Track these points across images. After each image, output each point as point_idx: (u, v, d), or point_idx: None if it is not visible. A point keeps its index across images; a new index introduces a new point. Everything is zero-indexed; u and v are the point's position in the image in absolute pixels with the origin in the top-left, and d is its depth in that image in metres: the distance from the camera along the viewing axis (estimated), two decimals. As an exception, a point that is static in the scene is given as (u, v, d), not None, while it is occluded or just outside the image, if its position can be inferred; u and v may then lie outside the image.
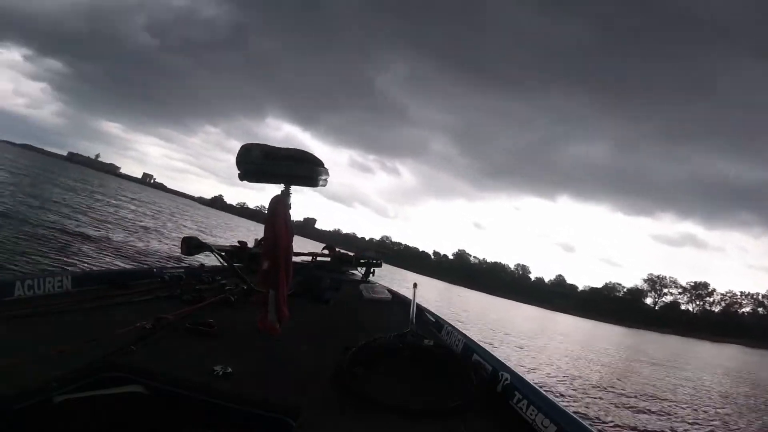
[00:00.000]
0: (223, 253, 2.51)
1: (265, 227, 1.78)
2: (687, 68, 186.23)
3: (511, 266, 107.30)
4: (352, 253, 3.94)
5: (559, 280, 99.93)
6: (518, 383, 1.42)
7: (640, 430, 5.40)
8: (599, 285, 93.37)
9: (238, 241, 3.16)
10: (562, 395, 6.38)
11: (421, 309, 2.44)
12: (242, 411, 1.16)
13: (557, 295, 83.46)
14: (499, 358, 1.65)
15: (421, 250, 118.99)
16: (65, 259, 6.34)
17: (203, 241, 2.41)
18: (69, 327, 1.44)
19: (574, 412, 1.27)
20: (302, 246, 3.77)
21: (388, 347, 1.60)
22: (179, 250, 2.47)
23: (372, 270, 3.75)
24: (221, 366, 1.28)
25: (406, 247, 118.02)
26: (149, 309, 1.75)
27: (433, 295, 24.04)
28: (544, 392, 1.35)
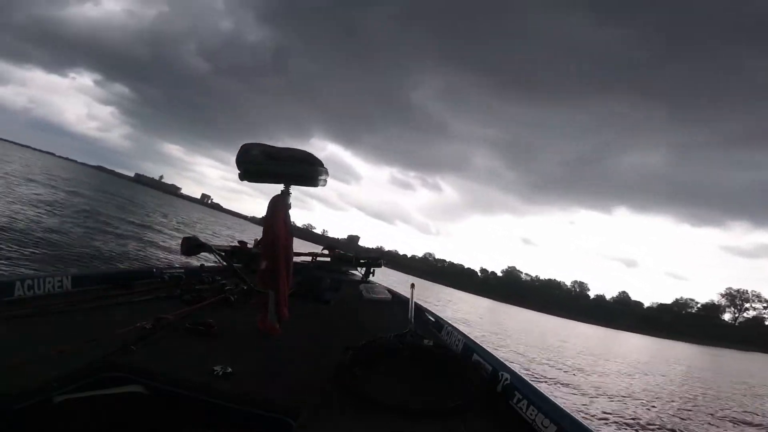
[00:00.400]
0: (223, 254, 2.51)
1: (264, 227, 1.78)
2: (752, 69, 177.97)
3: (567, 283, 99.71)
4: (351, 254, 3.94)
5: (622, 297, 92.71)
6: (518, 383, 1.42)
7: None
8: (668, 301, 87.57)
9: (238, 242, 3.16)
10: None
11: (420, 309, 2.44)
12: (242, 411, 1.16)
13: (620, 313, 77.95)
14: (499, 358, 1.65)
15: (466, 267, 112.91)
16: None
17: (203, 241, 2.41)
18: (69, 327, 1.44)
19: (575, 412, 1.27)
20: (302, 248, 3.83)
21: (388, 347, 1.60)
22: (179, 251, 2.47)
23: (372, 270, 3.75)
24: (221, 366, 1.28)
25: (450, 264, 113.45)
26: (149, 309, 1.75)
27: (475, 314, 21.72)
28: (544, 392, 1.35)
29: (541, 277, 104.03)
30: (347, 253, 3.95)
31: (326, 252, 3.91)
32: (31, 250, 5.96)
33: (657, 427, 5.79)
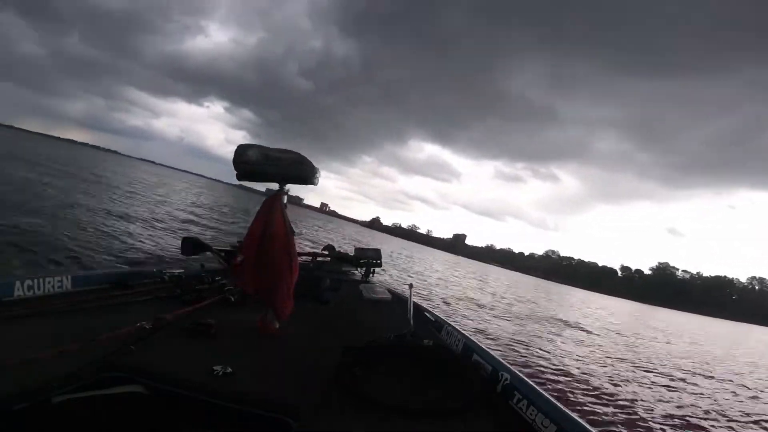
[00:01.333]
0: (223, 254, 2.52)
1: (254, 222, 1.79)
2: None
3: (742, 279, 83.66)
4: (352, 253, 3.94)
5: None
6: (518, 383, 1.42)
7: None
8: None
9: (238, 241, 3.16)
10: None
11: (420, 309, 2.44)
12: (242, 411, 1.16)
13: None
14: (499, 358, 1.65)
15: (600, 265, 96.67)
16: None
17: (203, 241, 2.41)
18: (69, 327, 1.44)
19: (575, 412, 1.27)
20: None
21: (388, 347, 1.60)
22: (179, 251, 2.47)
23: (372, 270, 3.75)
24: (221, 366, 1.28)
25: (580, 262, 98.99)
26: (149, 309, 1.75)
27: (630, 324, 17.94)
28: (544, 392, 1.35)
29: (703, 274, 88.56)
30: (347, 252, 3.95)
31: (326, 252, 3.91)
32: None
33: None
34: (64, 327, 1.45)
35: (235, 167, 1.73)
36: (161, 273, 2.34)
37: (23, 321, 1.44)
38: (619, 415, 4.71)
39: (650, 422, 4.74)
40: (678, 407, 5.73)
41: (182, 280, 2.32)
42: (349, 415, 1.19)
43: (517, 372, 1.49)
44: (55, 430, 1.01)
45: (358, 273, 3.78)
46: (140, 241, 8.14)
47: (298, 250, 3.79)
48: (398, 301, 2.80)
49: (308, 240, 16.27)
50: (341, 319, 2.13)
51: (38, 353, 1.14)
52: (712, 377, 8.64)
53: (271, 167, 1.74)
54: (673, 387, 6.93)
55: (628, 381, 6.64)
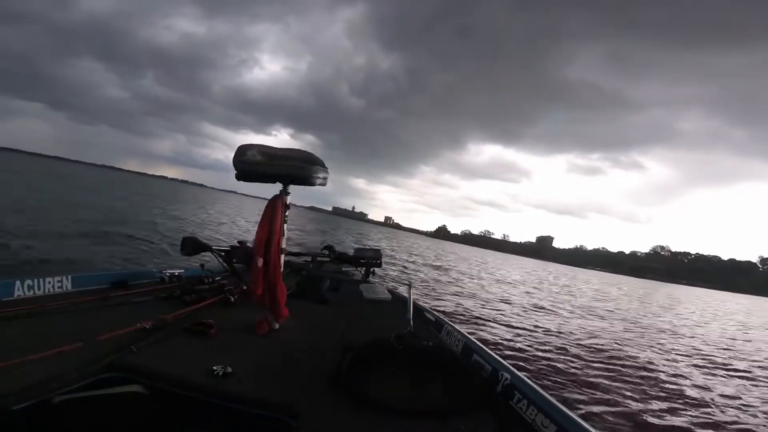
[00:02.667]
0: (223, 254, 2.51)
1: (260, 225, 1.79)
2: None
3: None
4: (351, 253, 3.94)
5: None
6: (518, 383, 1.41)
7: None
8: None
9: (238, 241, 3.16)
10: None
11: (420, 309, 2.44)
12: (242, 411, 1.16)
13: None
14: (499, 358, 1.64)
15: (726, 258, 76.86)
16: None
17: (203, 241, 2.41)
18: (69, 327, 1.44)
19: (575, 412, 1.27)
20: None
21: (388, 348, 1.60)
22: (179, 251, 2.48)
23: (372, 270, 3.75)
24: (221, 366, 1.29)
25: (698, 256, 77.85)
26: (149, 309, 1.75)
27: None
28: (544, 392, 1.35)
29: None
30: (347, 252, 3.95)
31: (326, 252, 3.91)
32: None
33: None
34: (64, 327, 1.45)
35: (234, 167, 1.73)
36: (161, 273, 2.35)
37: (23, 321, 1.45)
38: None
39: None
40: None
41: (182, 280, 2.32)
42: (348, 415, 1.19)
43: (517, 372, 1.49)
44: (55, 430, 1.01)
45: (359, 273, 3.78)
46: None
47: (298, 250, 3.77)
48: (398, 301, 2.80)
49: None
50: (341, 319, 2.13)
51: (38, 353, 1.14)
52: None
53: (269, 167, 1.72)
54: None
55: None
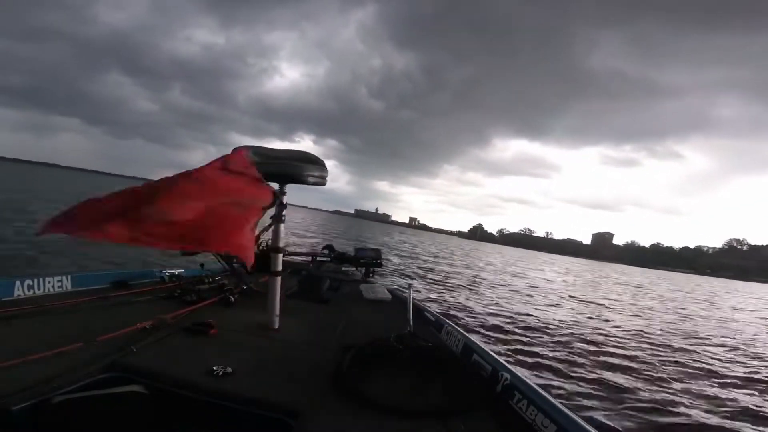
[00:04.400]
0: (223, 253, 2.52)
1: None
2: None
3: None
4: (351, 253, 3.94)
5: None
6: (518, 383, 1.41)
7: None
8: None
9: None
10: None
11: (420, 309, 2.44)
12: (242, 411, 1.16)
13: None
14: (499, 358, 1.64)
15: None
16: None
17: None
18: (69, 327, 1.45)
19: (575, 412, 1.27)
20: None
21: (387, 348, 1.60)
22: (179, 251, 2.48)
23: (372, 270, 3.75)
24: (221, 366, 1.29)
25: None
26: (149, 309, 1.75)
27: None
28: (544, 392, 1.35)
29: None
30: (347, 252, 3.96)
31: (326, 252, 3.91)
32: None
33: None
34: (64, 327, 1.45)
35: None
36: (161, 273, 2.35)
37: (23, 321, 1.45)
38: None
39: None
40: None
41: (182, 280, 2.32)
42: (348, 415, 1.19)
43: (517, 372, 1.49)
44: (55, 430, 1.01)
45: (358, 273, 3.78)
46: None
47: (298, 250, 3.77)
48: (398, 301, 2.80)
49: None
50: (341, 319, 2.13)
51: (38, 353, 1.14)
52: None
53: (262, 166, 1.72)
54: None
55: None
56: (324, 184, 1.89)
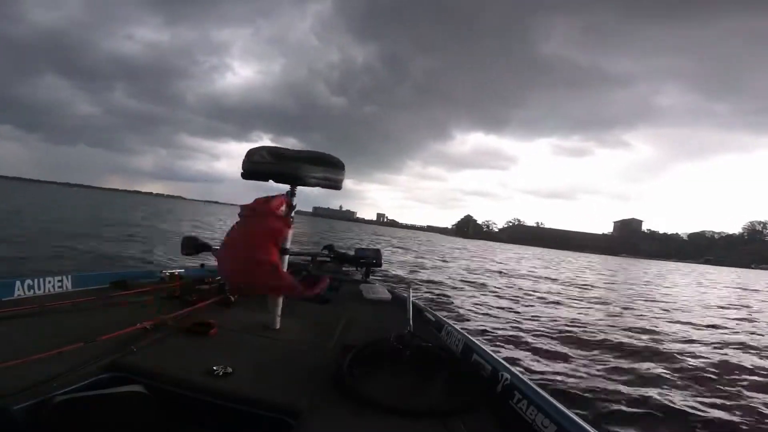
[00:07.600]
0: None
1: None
2: None
3: None
4: (352, 253, 3.94)
5: None
6: (518, 383, 1.41)
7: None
8: None
9: None
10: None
11: (420, 309, 2.44)
12: (242, 411, 1.16)
13: None
14: (499, 358, 1.64)
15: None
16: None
17: (203, 240, 2.41)
18: (69, 327, 1.45)
19: (575, 412, 1.27)
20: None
21: (388, 347, 1.60)
22: (179, 251, 2.48)
23: (372, 270, 3.75)
24: (221, 366, 1.29)
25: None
26: (149, 309, 1.75)
27: None
28: (544, 392, 1.34)
29: None
30: (347, 252, 3.95)
31: (326, 252, 3.91)
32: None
33: None
34: (64, 327, 1.45)
35: (242, 167, 1.73)
36: (161, 273, 2.35)
37: (23, 321, 1.45)
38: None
39: None
40: None
41: (182, 280, 2.32)
42: (348, 415, 1.19)
43: (517, 372, 1.49)
44: (55, 430, 1.01)
45: (359, 273, 3.78)
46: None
47: (298, 249, 3.78)
48: (398, 301, 2.80)
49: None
50: (341, 319, 2.13)
51: (39, 353, 1.14)
52: None
53: (279, 167, 1.70)
54: None
55: None
56: (336, 188, 1.85)
